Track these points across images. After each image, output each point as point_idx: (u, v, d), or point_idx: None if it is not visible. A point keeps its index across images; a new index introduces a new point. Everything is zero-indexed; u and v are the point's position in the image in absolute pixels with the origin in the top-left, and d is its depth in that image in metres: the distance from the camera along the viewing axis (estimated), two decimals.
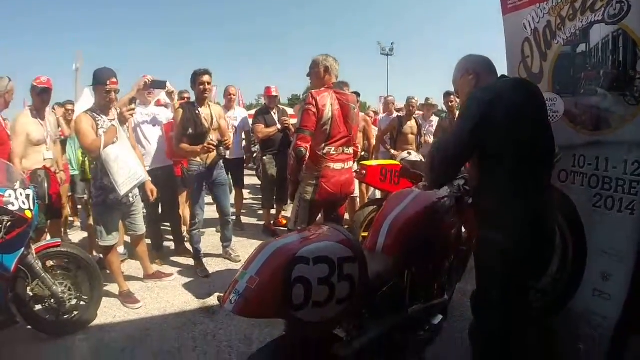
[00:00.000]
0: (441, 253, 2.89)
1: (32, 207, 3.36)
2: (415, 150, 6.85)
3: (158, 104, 6.13)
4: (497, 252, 2.28)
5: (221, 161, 5.33)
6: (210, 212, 5.86)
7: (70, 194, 6.60)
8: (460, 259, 3.31)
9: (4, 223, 3.18)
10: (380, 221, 2.70)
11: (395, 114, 8.49)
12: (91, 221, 5.13)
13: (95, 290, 3.88)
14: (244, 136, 7.48)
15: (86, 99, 4.88)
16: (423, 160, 5.18)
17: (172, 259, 5.75)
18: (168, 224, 6.16)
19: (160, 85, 5.03)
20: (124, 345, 3.56)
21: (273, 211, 7.27)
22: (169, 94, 5.34)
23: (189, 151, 4.93)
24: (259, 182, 9.04)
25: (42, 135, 4.52)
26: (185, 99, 5.14)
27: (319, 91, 3.76)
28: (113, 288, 4.54)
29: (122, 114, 4.18)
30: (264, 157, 6.86)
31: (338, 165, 3.85)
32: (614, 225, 2.67)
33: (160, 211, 5.87)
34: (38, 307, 3.62)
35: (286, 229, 6.09)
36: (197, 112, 4.96)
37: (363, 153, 7.42)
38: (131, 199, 4.34)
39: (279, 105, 7.43)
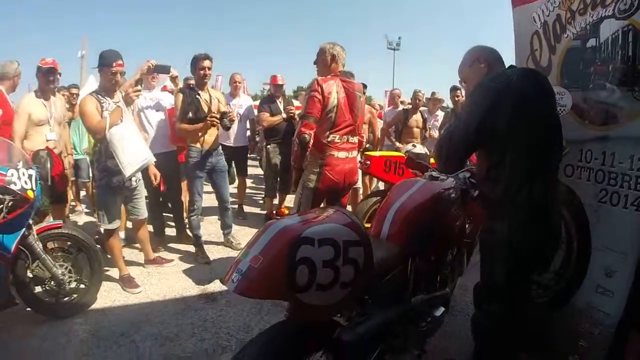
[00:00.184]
0: (444, 244, 2.88)
1: (34, 188, 3.35)
2: (420, 143, 6.83)
3: (164, 89, 6.12)
4: (502, 242, 2.27)
5: (220, 148, 5.34)
6: (211, 199, 5.85)
7: (73, 178, 6.58)
8: (463, 252, 3.29)
9: (6, 202, 3.17)
10: (385, 209, 2.69)
11: (400, 107, 8.46)
12: None
13: (95, 274, 3.87)
14: (248, 125, 7.45)
15: (90, 86, 4.87)
16: (428, 153, 5.17)
17: (173, 245, 5.75)
18: (169, 211, 6.17)
19: (164, 69, 5.00)
20: (122, 329, 3.55)
21: (276, 201, 7.25)
22: (173, 79, 5.34)
23: (190, 130, 4.92)
24: (262, 172, 9.03)
25: (44, 116, 4.49)
26: (190, 85, 5.12)
27: (325, 78, 3.74)
28: (113, 272, 4.54)
29: (128, 94, 4.16)
30: (268, 146, 6.86)
31: (342, 154, 3.83)
32: (619, 221, 2.65)
33: (161, 198, 5.87)
34: (38, 288, 3.61)
35: None
36: (197, 96, 4.97)
37: (368, 145, 7.41)
38: (134, 183, 4.33)
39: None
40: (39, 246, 3.48)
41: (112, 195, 4.27)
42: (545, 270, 2.95)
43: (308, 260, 1.61)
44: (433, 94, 8.64)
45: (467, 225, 3.13)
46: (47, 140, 4.47)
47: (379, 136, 8.04)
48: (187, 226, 5.54)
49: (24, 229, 3.33)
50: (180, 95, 4.97)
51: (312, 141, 3.68)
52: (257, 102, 7.64)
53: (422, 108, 8.06)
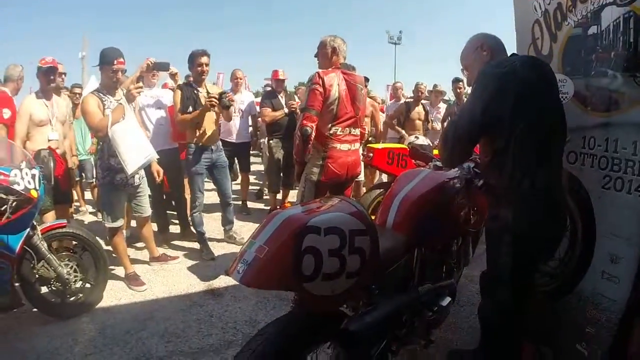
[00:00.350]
0: (450, 233, 2.88)
1: (37, 187, 3.36)
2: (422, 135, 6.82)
3: (165, 87, 6.13)
4: (507, 230, 2.27)
5: (220, 144, 5.35)
6: (214, 196, 5.86)
7: (78, 178, 6.60)
8: (469, 242, 3.29)
9: (9, 203, 3.18)
10: (390, 199, 2.68)
11: (403, 100, 8.44)
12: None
13: (100, 273, 3.89)
14: (250, 121, 7.46)
15: (92, 86, 4.88)
16: (431, 144, 5.17)
17: (177, 242, 5.76)
18: (173, 208, 6.18)
19: (163, 67, 5.00)
20: (129, 327, 3.56)
21: (279, 196, 7.24)
22: (172, 76, 5.34)
23: (190, 119, 4.89)
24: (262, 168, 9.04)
25: (45, 116, 4.50)
26: (189, 82, 5.14)
27: (326, 71, 3.74)
28: (118, 271, 4.55)
29: (130, 91, 4.16)
30: (271, 141, 6.86)
31: (345, 146, 3.83)
32: (624, 207, 2.63)
33: (164, 196, 5.88)
34: (44, 289, 3.62)
35: None
36: (195, 92, 4.98)
37: (370, 139, 7.42)
38: (137, 180, 4.33)
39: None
40: (43, 246, 3.49)
41: (116, 194, 4.27)
42: (551, 258, 2.95)
43: (314, 250, 1.60)
44: (435, 86, 8.61)
45: (472, 215, 3.13)
46: (49, 140, 4.48)
47: (382, 129, 8.03)
48: (191, 223, 5.55)
49: (28, 229, 3.33)
50: (179, 91, 4.98)
51: (314, 134, 3.68)
52: (259, 99, 7.62)
53: (423, 101, 8.06)
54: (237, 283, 1.58)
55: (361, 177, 6.67)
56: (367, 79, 5.43)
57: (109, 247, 4.42)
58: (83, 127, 6.45)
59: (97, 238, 3.98)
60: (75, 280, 3.71)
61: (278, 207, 7.07)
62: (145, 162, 4.20)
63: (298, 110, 6.27)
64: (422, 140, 5.17)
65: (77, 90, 7.33)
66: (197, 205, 5.17)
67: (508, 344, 2.51)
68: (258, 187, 8.94)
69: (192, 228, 5.61)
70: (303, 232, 1.60)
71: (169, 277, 4.61)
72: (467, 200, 2.95)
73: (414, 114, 7.61)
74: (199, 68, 4.97)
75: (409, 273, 2.54)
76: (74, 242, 3.83)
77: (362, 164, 5.13)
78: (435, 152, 4.04)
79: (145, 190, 4.57)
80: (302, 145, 3.71)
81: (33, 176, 3.35)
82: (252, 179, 8.61)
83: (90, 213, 7.41)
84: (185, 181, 5.71)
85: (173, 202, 6.15)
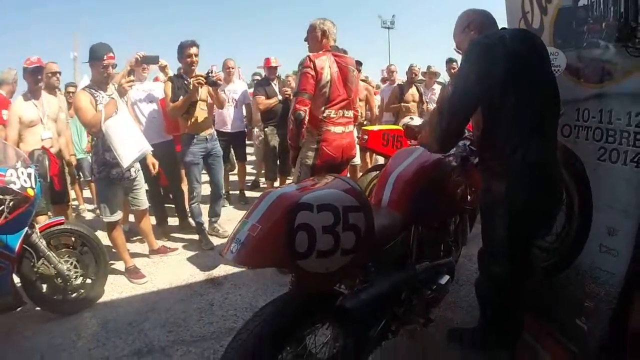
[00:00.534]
0: (447, 211, 2.89)
1: (34, 186, 3.35)
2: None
3: (157, 80, 6.11)
4: (500, 203, 2.27)
5: (215, 133, 5.34)
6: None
7: (76, 177, 6.60)
8: (466, 220, 3.29)
9: (7, 202, 3.18)
10: (385, 177, 2.69)
11: (396, 83, 8.42)
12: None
13: (101, 268, 3.89)
14: (245, 111, 7.45)
15: (85, 84, 4.87)
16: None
17: (176, 234, 5.77)
18: (171, 201, 6.18)
19: (153, 60, 4.99)
20: (130, 319, 3.57)
21: (276, 183, 7.21)
22: (162, 69, 5.35)
23: (181, 105, 4.84)
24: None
25: (36, 116, 4.49)
26: (180, 74, 5.12)
27: (316, 54, 3.73)
28: (119, 265, 4.56)
29: (121, 85, 4.17)
30: (266, 129, 6.87)
31: (339, 129, 3.83)
32: (619, 178, 2.62)
33: (161, 191, 5.90)
34: (45, 287, 3.63)
35: None
36: (186, 82, 4.95)
37: (365, 122, 7.41)
38: (133, 174, 4.33)
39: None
40: (42, 244, 3.49)
41: (112, 188, 4.26)
42: (548, 233, 2.94)
43: (307, 226, 1.60)
44: (429, 67, 8.58)
45: (468, 193, 3.12)
46: (42, 140, 4.47)
47: (377, 114, 8.02)
48: (189, 214, 5.55)
49: (26, 228, 3.34)
50: (170, 83, 4.97)
51: (307, 118, 3.67)
52: (252, 90, 7.59)
53: (418, 83, 8.04)
54: (237, 271, 1.59)
55: (357, 161, 6.68)
56: (359, 63, 5.42)
57: (109, 243, 4.41)
58: (79, 125, 6.43)
59: (96, 234, 3.98)
60: (76, 276, 3.72)
61: None
62: (139, 155, 4.19)
63: (292, 97, 6.27)
64: (417, 121, 5.16)
65: (72, 89, 7.31)
66: (195, 196, 5.16)
67: (505, 320, 2.51)
68: (253, 178, 8.91)
69: (190, 219, 5.63)
70: (295, 209, 1.61)
71: (169, 269, 4.62)
72: (463, 178, 2.95)
73: (408, 96, 7.63)
74: (189, 59, 4.94)
75: (406, 251, 2.54)
76: (72, 239, 3.83)
77: (357, 146, 5.12)
78: None
79: (142, 184, 4.57)
80: (296, 130, 3.71)
81: (29, 175, 3.34)
82: (248, 168, 8.59)
83: (89, 210, 7.40)
84: (182, 173, 5.70)
85: (170, 195, 6.16)
